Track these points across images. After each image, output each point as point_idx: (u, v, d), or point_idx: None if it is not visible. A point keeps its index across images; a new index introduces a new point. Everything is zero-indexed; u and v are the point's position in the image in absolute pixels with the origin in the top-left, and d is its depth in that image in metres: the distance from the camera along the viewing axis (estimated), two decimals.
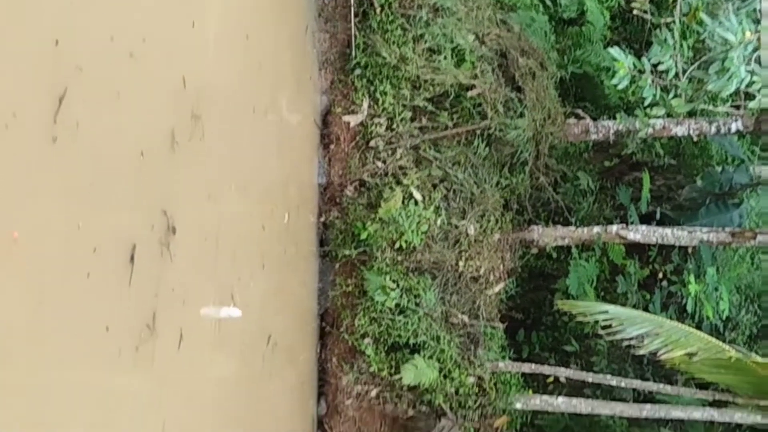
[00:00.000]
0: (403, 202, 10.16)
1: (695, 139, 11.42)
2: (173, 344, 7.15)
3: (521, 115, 10.55)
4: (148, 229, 6.69)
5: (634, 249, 11.07)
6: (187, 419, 7.44)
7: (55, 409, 5.63)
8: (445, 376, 10.16)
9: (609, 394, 10.98)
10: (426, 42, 10.38)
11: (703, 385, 9.98)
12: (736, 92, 9.40)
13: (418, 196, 10.29)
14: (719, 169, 11.57)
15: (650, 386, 10.27)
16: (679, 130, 10.48)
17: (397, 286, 10.13)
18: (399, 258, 10.29)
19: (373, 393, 10.42)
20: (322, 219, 10.66)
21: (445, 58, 10.36)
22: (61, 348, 5.68)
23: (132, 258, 6.47)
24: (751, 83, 9.04)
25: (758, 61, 8.87)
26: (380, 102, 10.49)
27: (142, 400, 6.78)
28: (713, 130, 10.31)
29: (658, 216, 11.19)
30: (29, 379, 5.42)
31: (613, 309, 9.37)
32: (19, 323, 5.26)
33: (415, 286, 10.18)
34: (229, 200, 8.16)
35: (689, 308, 10.32)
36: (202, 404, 7.75)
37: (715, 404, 10.06)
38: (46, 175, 5.38)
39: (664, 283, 10.88)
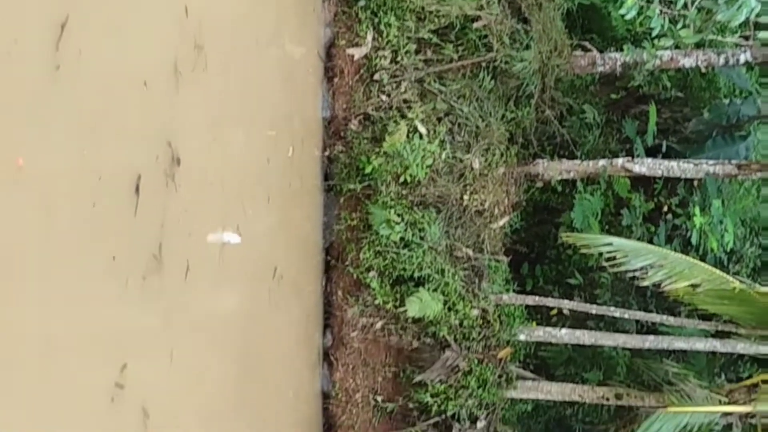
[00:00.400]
0: (407, 135, 10.11)
1: (703, 70, 11.31)
2: (180, 275, 7.20)
3: (527, 47, 10.44)
4: (153, 159, 6.68)
5: (640, 182, 11.05)
6: (195, 349, 7.53)
7: (63, 338, 5.69)
8: (449, 309, 10.24)
9: (612, 326, 11.08)
10: None
11: (706, 317, 10.04)
12: (746, 22, 9.26)
13: (422, 129, 10.24)
14: (726, 101, 11.47)
15: (653, 318, 10.35)
16: (687, 62, 10.37)
17: (402, 219, 10.14)
18: (404, 192, 10.28)
19: (378, 325, 10.52)
20: (327, 153, 10.62)
21: None
22: (67, 276, 5.72)
23: (137, 188, 6.47)
24: (760, 13, 8.89)
25: None
26: (384, 34, 10.36)
27: (149, 330, 6.85)
28: (721, 61, 10.19)
29: (664, 149, 11.13)
30: (36, 308, 5.47)
31: (617, 241, 9.40)
32: (25, 251, 5.29)
33: (420, 220, 10.20)
34: (233, 132, 8.13)
35: (694, 241, 10.33)
36: (209, 334, 7.83)
37: (718, 335, 10.14)
38: (49, 103, 5.36)
39: (669, 216, 10.88)
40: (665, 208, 10.99)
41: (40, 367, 5.46)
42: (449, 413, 10.40)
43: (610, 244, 9.33)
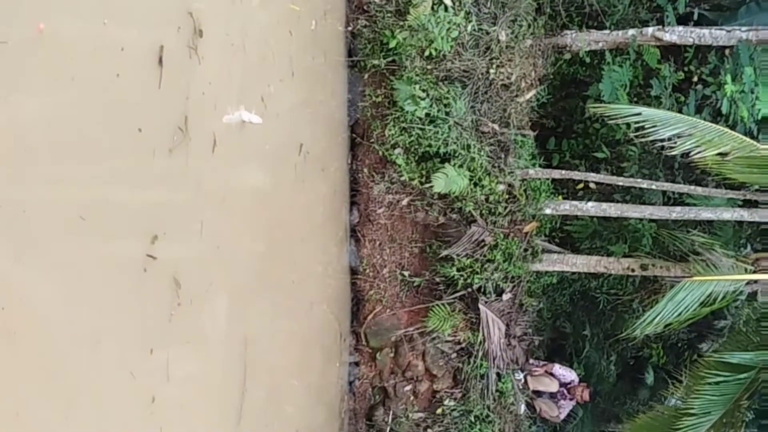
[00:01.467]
0: (432, 8, 9.87)
1: None
2: (207, 148, 7.22)
3: None
4: (175, 30, 6.60)
5: (670, 52, 10.78)
6: (223, 222, 7.62)
7: (93, 211, 5.76)
8: (475, 184, 10.24)
9: (638, 199, 11.05)
10: None
11: (733, 186, 9.96)
12: None
13: (447, 1, 9.98)
14: None
15: (681, 188, 10.30)
16: None
17: (427, 95, 10.04)
18: (429, 66, 10.13)
19: (405, 202, 10.57)
20: (350, 28, 10.44)
21: None
22: (94, 148, 5.75)
23: (160, 60, 6.42)
24: None
25: None
26: None
27: (178, 202, 6.92)
28: None
29: (695, 17, 10.80)
30: (64, 182, 5.52)
31: (646, 111, 9.24)
32: (50, 122, 5.30)
33: (446, 95, 10.08)
34: (254, 3, 7.97)
35: (724, 110, 10.13)
36: (238, 208, 7.91)
37: (746, 204, 10.11)
38: None
39: (699, 86, 10.64)
40: (695, 78, 10.74)
41: (73, 240, 5.55)
42: (475, 286, 10.56)
43: (639, 114, 9.17)
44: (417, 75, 10.04)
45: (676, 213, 10.06)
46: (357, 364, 10.88)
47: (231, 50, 7.47)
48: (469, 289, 10.64)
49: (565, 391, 11.12)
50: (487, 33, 10.20)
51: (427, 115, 10.04)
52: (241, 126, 7.94)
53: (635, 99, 10.75)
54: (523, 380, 10.95)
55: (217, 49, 7.18)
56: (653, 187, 10.35)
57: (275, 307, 8.86)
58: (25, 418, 5.05)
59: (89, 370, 5.70)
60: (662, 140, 9.23)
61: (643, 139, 9.44)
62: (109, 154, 5.93)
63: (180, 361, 6.83)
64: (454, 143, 10.12)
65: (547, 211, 10.62)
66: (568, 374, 11.19)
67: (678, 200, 10.91)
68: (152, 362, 6.43)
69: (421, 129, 10.08)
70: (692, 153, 9.07)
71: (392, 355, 10.79)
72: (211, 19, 7.01)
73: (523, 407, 10.97)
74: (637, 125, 9.37)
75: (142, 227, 6.38)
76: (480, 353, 10.64)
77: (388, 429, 10.82)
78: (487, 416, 10.58)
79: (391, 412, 10.79)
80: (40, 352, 5.26)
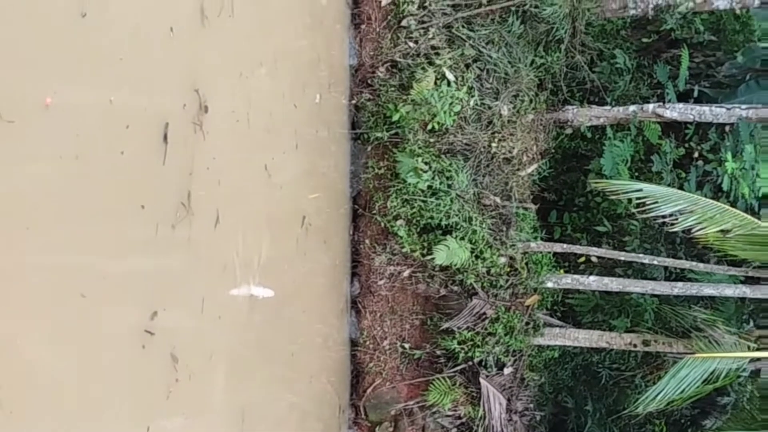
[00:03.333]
0: (435, 82, 10.02)
1: (737, 12, 11.04)
2: (209, 224, 7.25)
3: None
4: (180, 107, 6.68)
5: (671, 128, 10.88)
6: (224, 295, 7.60)
7: (93, 286, 5.76)
8: (476, 257, 10.23)
9: (640, 273, 11.03)
10: None
11: (735, 263, 9.96)
12: None
13: (450, 76, 10.12)
14: (761, 44, 11.18)
15: (683, 264, 10.28)
16: (721, 4, 10.14)
17: (430, 168, 10.10)
18: (431, 140, 10.22)
19: (406, 273, 10.55)
20: (354, 101, 10.56)
21: None
22: (96, 224, 5.77)
23: (165, 137, 6.49)
24: None
25: None
26: None
27: (178, 277, 6.92)
28: (756, 2, 9.95)
29: (696, 94, 10.92)
30: (66, 255, 5.53)
31: (647, 187, 9.29)
32: (54, 198, 5.33)
33: (448, 168, 10.14)
34: (260, 78, 8.09)
35: (725, 186, 10.19)
36: (237, 280, 7.89)
37: (748, 281, 10.08)
38: (76, 49, 5.35)
39: (700, 162, 10.72)
40: (696, 154, 10.82)
41: (73, 316, 5.54)
42: (476, 360, 10.47)
43: (640, 189, 9.22)
44: (419, 148, 10.12)
45: (678, 288, 10.03)
46: None
47: (236, 125, 7.56)
48: (470, 363, 10.55)
49: None
50: (490, 107, 10.32)
51: (429, 187, 10.09)
52: (246, 201, 8.00)
53: (636, 174, 10.82)
54: None
55: (222, 124, 7.26)
56: (654, 262, 10.34)
57: (274, 379, 8.79)
58: None
59: None
60: (663, 216, 9.25)
61: (644, 215, 9.46)
62: (111, 230, 5.95)
63: None
64: (456, 215, 10.15)
65: (549, 285, 10.59)
66: None
67: (680, 275, 10.89)
68: None
69: (423, 201, 10.12)
70: (694, 229, 9.08)
71: (392, 429, 10.64)
72: (216, 94, 7.11)
73: None
74: (638, 200, 9.40)
75: (143, 303, 6.37)
76: (481, 429, 10.49)
77: None
78: None
79: None
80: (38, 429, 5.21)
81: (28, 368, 5.18)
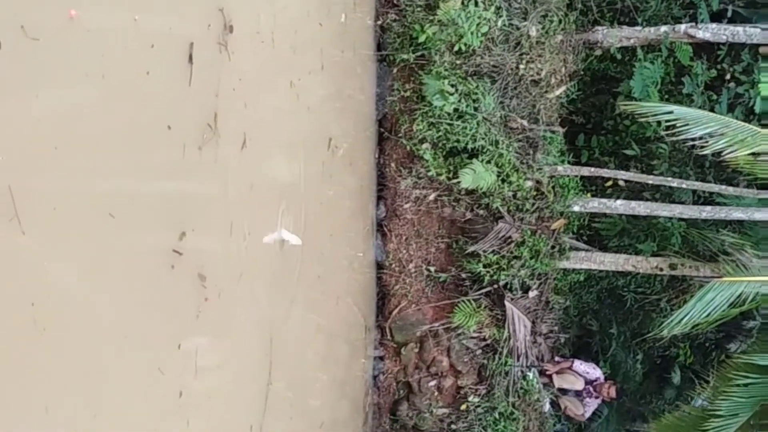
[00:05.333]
0: (462, 2, 9.80)
1: None
2: (236, 145, 7.24)
3: None
4: (205, 27, 6.62)
5: (702, 49, 10.63)
6: (252, 218, 7.64)
7: (122, 206, 5.80)
8: (503, 180, 10.18)
9: (668, 197, 10.94)
10: None
11: (765, 186, 9.83)
12: None
13: None
14: None
15: (711, 187, 10.18)
16: None
17: (456, 90, 9.97)
18: (458, 61, 10.07)
19: (432, 197, 10.54)
20: (379, 22, 10.39)
21: None
22: (123, 144, 5.78)
23: (190, 57, 6.44)
24: None
25: None
26: None
27: (206, 198, 6.95)
28: None
29: (729, 14, 10.64)
30: (95, 176, 5.56)
31: (678, 109, 9.13)
32: (79, 115, 5.33)
33: (474, 90, 10.01)
34: None
35: (757, 109, 9.98)
36: (265, 202, 7.93)
37: None
38: None
39: (732, 84, 10.50)
40: (728, 76, 10.59)
41: (102, 237, 5.59)
42: (501, 283, 10.52)
43: (670, 112, 9.06)
44: (446, 70, 9.98)
45: (706, 212, 9.95)
46: (382, 358, 10.89)
47: (261, 46, 7.47)
48: (495, 286, 10.60)
49: (591, 389, 11.05)
50: (518, 28, 10.12)
51: (456, 110, 9.98)
52: (274, 119, 7.96)
53: (666, 97, 10.63)
54: (535, 377, 10.83)
55: (247, 44, 7.19)
56: (683, 185, 10.24)
57: (301, 301, 8.88)
58: (54, 413, 5.10)
59: (117, 365, 5.75)
60: (693, 139, 9.11)
61: (673, 138, 9.33)
62: (138, 150, 5.96)
63: (207, 354, 6.88)
64: (483, 139, 10.06)
65: (576, 209, 10.55)
66: (593, 371, 11.10)
67: (708, 199, 10.79)
68: (180, 357, 6.48)
69: (449, 124, 10.02)
70: (724, 152, 8.94)
71: (417, 350, 10.78)
72: (241, 14, 7.02)
73: (548, 405, 10.94)
74: (668, 123, 9.26)
75: (171, 223, 6.42)
76: (505, 350, 10.61)
77: (412, 424, 10.83)
78: (512, 413, 10.56)
79: (415, 407, 10.79)
80: (70, 348, 5.31)
81: (59, 287, 5.26)
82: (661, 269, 10.27)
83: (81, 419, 5.37)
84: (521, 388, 10.66)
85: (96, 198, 5.57)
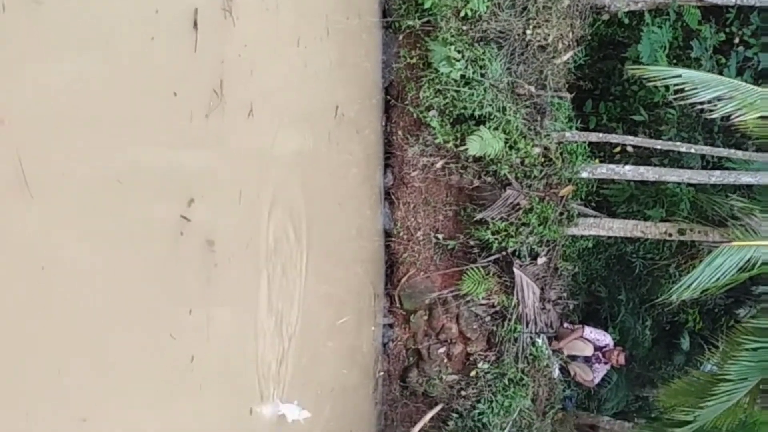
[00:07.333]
0: None
1: None
2: (243, 113, 7.22)
3: None
4: None
5: (711, 12, 10.57)
6: (261, 186, 7.65)
7: (129, 173, 5.79)
8: (510, 147, 10.16)
9: (677, 163, 10.91)
10: None
11: None
12: None
13: None
14: None
15: (720, 152, 10.14)
16: None
17: (463, 56, 9.93)
18: (464, 27, 10.03)
19: (439, 164, 10.53)
20: None
21: None
22: (128, 111, 5.76)
23: (195, 23, 6.40)
24: None
25: None
26: None
27: (214, 166, 6.94)
28: None
29: None
30: (100, 142, 5.56)
31: (686, 73, 9.07)
32: (84, 82, 5.31)
33: (481, 56, 9.98)
34: None
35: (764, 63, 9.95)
36: (273, 171, 7.92)
37: None
38: None
39: (741, 47, 10.44)
40: (737, 40, 10.53)
41: (110, 203, 5.60)
42: (510, 250, 10.54)
43: (678, 75, 9.00)
44: (452, 36, 9.94)
45: (715, 177, 9.91)
46: (391, 326, 10.94)
47: (266, 12, 7.42)
48: (504, 253, 10.62)
49: (600, 355, 11.08)
50: None
51: (462, 76, 9.95)
52: (280, 88, 7.93)
53: (674, 61, 10.58)
54: (544, 344, 10.84)
55: (252, 9, 7.14)
56: (692, 150, 10.19)
57: (310, 270, 8.90)
58: (66, 376, 5.14)
59: (128, 330, 5.78)
60: (702, 103, 9.07)
61: (682, 102, 9.29)
62: (145, 117, 5.94)
63: (218, 320, 6.91)
64: (490, 105, 10.03)
65: (584, 175, 10.52)
66: (603, 338, 11.11)
67: (717, 164, 10.76)
68: (191, 322, 6.50)
69: (456, 91, 9.99)
70: (733, 116, 8.89)
71: (426, 317, 10.82)
72: None
73: (557, 371, 10.98)
74: (676, 87, 9.22)
75: (179, 190, 6.42)
76: (514, 317, 10.64)
77: (422, 390, 10.89)
78: (521, 379, 10.60)
79: (424, 374, 10.85)
80: (80, 313, 5.33)
81: (69, 252, 5.27)
82: (670, 235, 10.25)
83: (91, 383, 5.41)
84: (530, 354, 10.70)
85: (103, 165, 5.56)
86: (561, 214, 10.54)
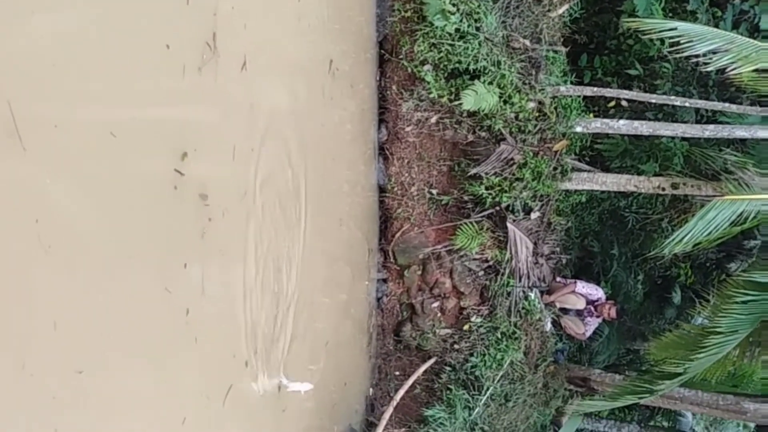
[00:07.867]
0: None
1: None
2: (236, 66, 7.17)
3: None
4: None
5: None
6: (254, 140, 7.62)
7: (123, 127, 5.78)
8: (505, 102, 10.11)
9: (671, 117, 10.89)
10: None
11: None
12: None
13: None
14: None
15: (715, 106, 10.11)
16: None
17: (457, 9, 9.83)
18: None
19: (433, 119, 10.48)
20: None
21: None
22: (120, 61, 5.72)
23: None
24: None
25: None
26: None
27: (207, 120, 6.92)
28: None
29: None
30: (90, 94, 5.53)
31: (682, 25, 9.00)
32: (76, 34, 5.27)
33: (476, 10, 9.87)
34: None
35: (762, 25, 9.84)
36: (267, 125, 7.89)
37: None
38: None
39: (737, 0, 10.37)
40: None
41: (104, 156, 5.59)
42: (503, 205, 10.53)
43: (674, 28, 8.94)
44: None
45: (709, 131, 9.90)
46: (385, 281, 10.99)
47: None
48: (497, 208, 10.62)
49: (592, 309, 11.15)
50: None
51: (457, 30, 9.86)
52: (274, 42, 7.86)
53: (670, 14, 10.51)
54: (537, 298, 10.91)
55: None
56: (686, 104, 10.16)
57: (305, 224, 8.91)
58: (62, 329, 5.18)
59: (123, 283, 5.81)
60: (697, 56, 9.02)
61: (677, 55, 9.24)
62: (137, 70, 5.91)
63: (213, 274, 6.95)
64: (484, 59, 9.96)
65: (578, 129, 10.50)
66: (595, 292, 11.17)
67: (711, 118, 10.74)
68: (186, 276, 6.54)
69: (450, 45, 9.91)
70: (728, 69, 8.85)
71: (420, 272, 10.87)
72: None
73: (549, 324, 11.06)
74: (671, 41, 9.16)
75: (172, 144, 6.41)
76: (507, 271, 10.69)
77: (416, 344, 10.98)
78: (514, 333, 10.69)
79: (418, 328, 10.93)
80: (75, 266, 5.35)
81: (63, 205, 5.28)
82: (663, 189, 10.26)
83: (88, 336, 5.45)
84: (523, 308, 10.77)
85: (97, 117, 5.54)
86: (555, 168, 10.54)
